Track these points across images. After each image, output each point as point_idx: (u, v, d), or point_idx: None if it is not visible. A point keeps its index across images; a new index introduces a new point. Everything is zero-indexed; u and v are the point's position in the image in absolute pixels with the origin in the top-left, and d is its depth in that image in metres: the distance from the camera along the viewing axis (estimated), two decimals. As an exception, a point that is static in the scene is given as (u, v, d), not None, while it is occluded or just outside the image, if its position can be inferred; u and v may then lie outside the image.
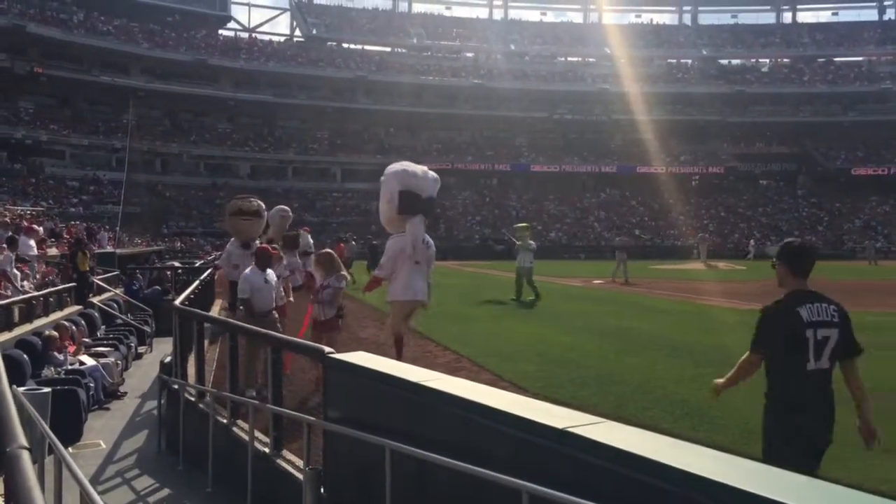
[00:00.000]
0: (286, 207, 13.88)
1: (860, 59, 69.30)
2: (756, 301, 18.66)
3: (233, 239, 12.34)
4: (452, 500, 3.23)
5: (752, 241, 51.59)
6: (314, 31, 67.49)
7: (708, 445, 2.69)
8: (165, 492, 6.08)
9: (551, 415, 2.90)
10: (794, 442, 3.77)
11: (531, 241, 18.51)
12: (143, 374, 11.54)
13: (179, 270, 21.25)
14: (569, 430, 2.65)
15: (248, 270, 8.43)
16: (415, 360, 7.65)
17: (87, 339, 11.49)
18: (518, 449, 2.84)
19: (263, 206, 12.65)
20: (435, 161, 63.60)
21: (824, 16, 74.60)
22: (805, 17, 75.35)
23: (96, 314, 13.89)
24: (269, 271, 8.49)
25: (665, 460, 2.32)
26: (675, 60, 71.65)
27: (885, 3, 71.74)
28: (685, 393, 7.89)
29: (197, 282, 13.33)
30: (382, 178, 8.51)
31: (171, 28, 60.35)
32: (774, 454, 3.71)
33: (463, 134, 66.33)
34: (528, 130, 66.86)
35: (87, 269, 14.87)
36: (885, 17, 71.66)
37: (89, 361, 9.72)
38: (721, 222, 59.93)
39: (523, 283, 17.85)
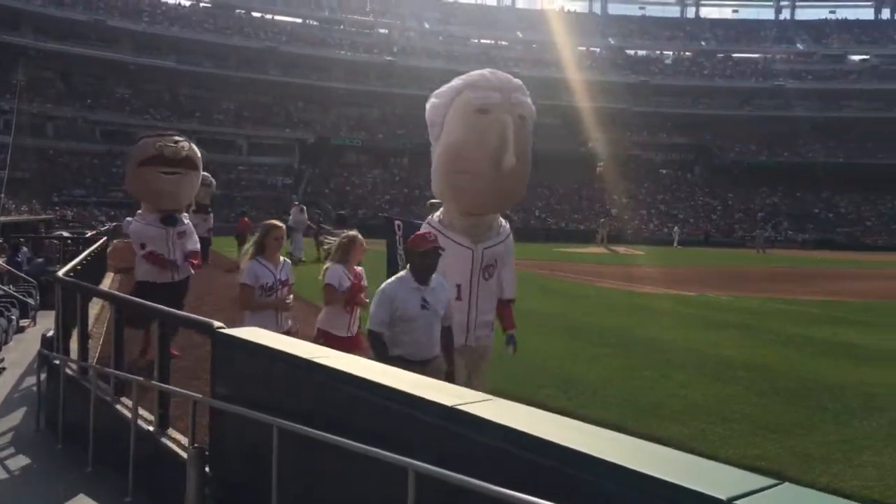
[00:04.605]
0: (206, 174, 12.22)
1: (757, 55, 72.55)
2: (651, 285, 19.37)
3: (143, 207, 8.30)
4: (339, 478, 3.16)
5: (675, 228, 51.65)
6: (222, -3, 65.10)
7: (599, 424, 2.71)
8: (43, 471, 5.76)
9: (440, 392, 2.86)
10: None
11: None
12: (24, 348, 10.86)
13: (69, 241, 20.15)
14: (457, 407, 2.62)
15: (394, 282, 4.64)
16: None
17: (-39, 311, 10.74)
18: (406, 426, 2.80)
19: (198, 151, 8.41)
20: (345, 137, 63.00)
21: (726, 12, 78.00)
22: (708, 12, 78.45)
23: (-26, 285, 13.00)
24: (438, 281, 4.68)
25: (550, 437, 2.32)
26: (584, 48, 73.01)
27: (782, 3, 75.31)
28: (582, 372, 8.08)
29: (86, 252, 12.59)
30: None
31: (68, -16, 56.99)
32: None
33: (374, 111, 65.63)
34: (440, 110, 66.66)
35: (-35, 236, 13.89)
36: (781, 17, 75.35)
37: (-37, 334, 9.09)
38: (622, 208, 61.70)
39: None
